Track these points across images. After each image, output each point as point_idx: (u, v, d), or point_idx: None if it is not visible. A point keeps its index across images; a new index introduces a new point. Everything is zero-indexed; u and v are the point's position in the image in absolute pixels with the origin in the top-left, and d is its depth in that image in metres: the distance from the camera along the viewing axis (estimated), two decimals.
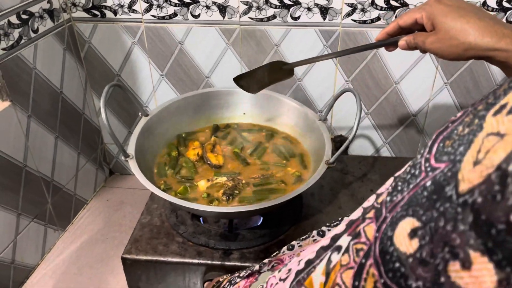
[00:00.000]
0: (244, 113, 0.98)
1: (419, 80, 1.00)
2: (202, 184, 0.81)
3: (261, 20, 0.96)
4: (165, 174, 0.85)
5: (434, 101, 1.03)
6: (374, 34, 0.94)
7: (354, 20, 0.94)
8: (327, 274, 0.27)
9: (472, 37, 0.51)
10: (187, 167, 0.86)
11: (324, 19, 0.95)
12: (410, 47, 0.59)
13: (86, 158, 1.14)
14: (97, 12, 0.99)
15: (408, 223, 0.22)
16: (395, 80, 1.01)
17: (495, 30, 0.51)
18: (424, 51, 0.58)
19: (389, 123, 1.09)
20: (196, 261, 0.76)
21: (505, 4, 0.89)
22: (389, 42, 0.62)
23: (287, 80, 1.03)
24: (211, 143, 0.90)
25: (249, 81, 0.82)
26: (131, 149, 0.79)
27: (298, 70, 1.02)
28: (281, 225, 0.83)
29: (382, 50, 0.96)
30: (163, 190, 0.79)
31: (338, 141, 1.09)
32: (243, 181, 0.82)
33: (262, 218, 0.85)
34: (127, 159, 0.77)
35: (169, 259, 0.77)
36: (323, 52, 0.99)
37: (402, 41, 0.60)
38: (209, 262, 0.76)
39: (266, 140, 0.92)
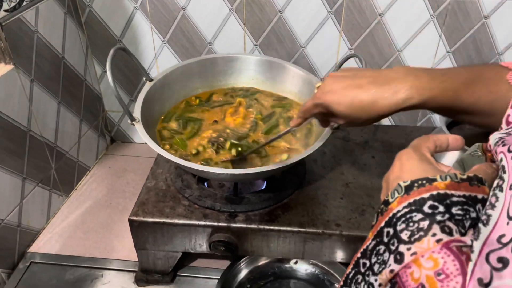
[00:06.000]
0: (252, 79, 0.98)
1: (422, 48, 1.01)
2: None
3: None
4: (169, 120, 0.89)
5: None
6: (379, 0, 0.94)
7: None
8: None
9: (375, 111, 0.51)
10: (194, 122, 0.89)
11: None
12: (326, 125, 0.68)
13: (88, 125, 1.14)
14: None
15: None
16: (398, 48, 1.01)
17: (385, 96, 0.50)
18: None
19: None
20: (202, 223, 0.78)
21: None
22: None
23: (290, 48, 1.04)
24: (234, 106, 0.90)
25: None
26: (136, 113, 0.80)
27: (302, 38, 1.02)
28: (285, 189, 0.84)
29: (387, 18, 0.96)
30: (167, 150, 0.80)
31: None
32: (228, 131, 0.86)
33: (266, 182, 0.87)
34: (133, 122, 0.77)
35: (176, 221, 0.79)
36: (326, 20, 0.98)
37: (319, 122, 0.67)
38: (215, 224, 0.78)
39: (279, 109, 0.93)
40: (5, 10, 0.80)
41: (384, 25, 0.98)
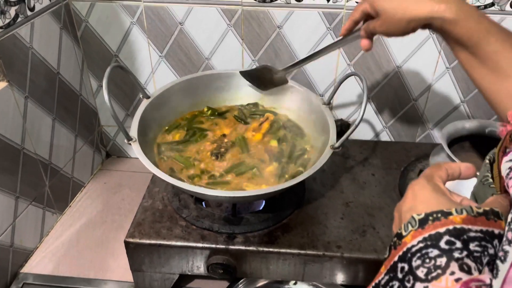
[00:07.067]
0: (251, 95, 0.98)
1: (421, 65, 1.00)
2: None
3: (264, 1, 0.94)
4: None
5: (435, 86, 1.03)
6: None
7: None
8: None
9: (410, 11, 0.56)
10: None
11: (328, 1, 0.93)
12: (368, 35, 0.67)
13: (83, 140, 1.12)
14: None
15: None
16: (397, 64, 1.01)
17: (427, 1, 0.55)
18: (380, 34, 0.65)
19: (390, 108, 1.08)
20: (200, 244, 0.76)
21: None
22: (353, 36, 0.71)
23: (289, 63, 1.02)
24: (260, 121, 0.91)
25: (254, 78, 0.93)
26: (133, 132, 0.78)
27: (300, 53, 1.01)
28: (284, 209, 0.83)
29: None
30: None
31: (338, 125, 1.08)
32: (226, 140, 0.88)
33: (264, 202, 0.85)
34: (129, 142, 0.76)
35: (173, 243, 0.77)
36: (325, 36, 0.98)
37: (362, 31, 0.68)
38: (213, 246, 0.76)
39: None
40: (0, 27, 0.79)
41: (383, 41, 0.98)
